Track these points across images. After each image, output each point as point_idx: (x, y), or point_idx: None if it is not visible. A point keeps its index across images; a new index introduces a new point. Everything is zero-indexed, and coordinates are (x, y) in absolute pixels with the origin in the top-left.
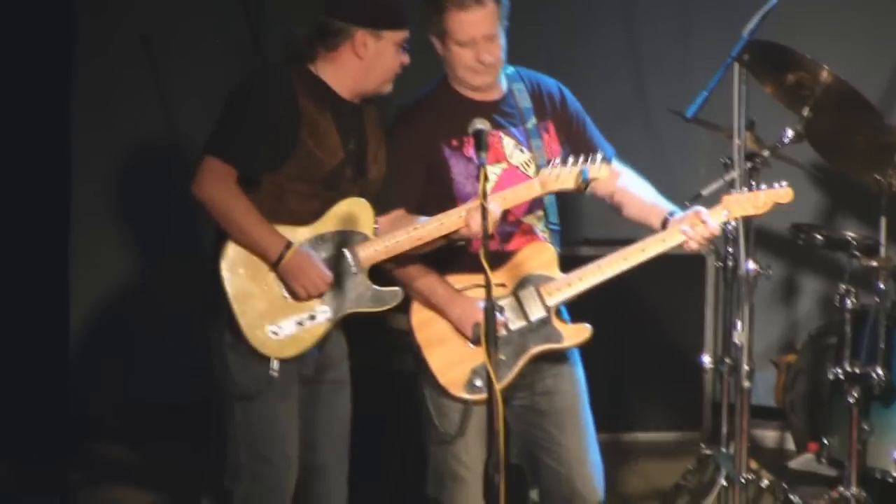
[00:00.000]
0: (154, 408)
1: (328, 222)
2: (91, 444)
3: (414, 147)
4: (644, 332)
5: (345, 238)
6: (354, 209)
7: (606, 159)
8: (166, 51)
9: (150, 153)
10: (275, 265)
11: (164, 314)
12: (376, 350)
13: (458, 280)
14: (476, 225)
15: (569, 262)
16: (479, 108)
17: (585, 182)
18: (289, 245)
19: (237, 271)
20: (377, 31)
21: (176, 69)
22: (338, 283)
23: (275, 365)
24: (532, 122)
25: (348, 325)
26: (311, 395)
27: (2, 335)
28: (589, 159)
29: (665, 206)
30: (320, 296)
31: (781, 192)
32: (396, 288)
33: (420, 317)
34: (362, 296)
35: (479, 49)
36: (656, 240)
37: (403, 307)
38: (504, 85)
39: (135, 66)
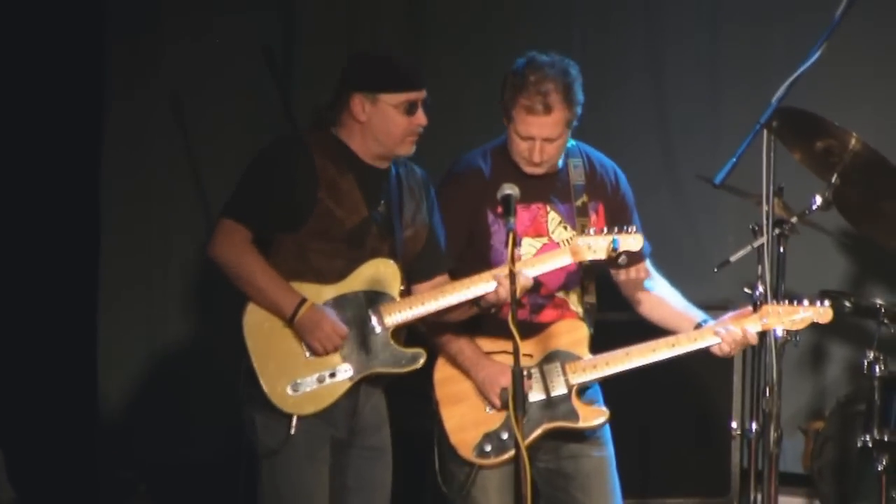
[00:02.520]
0: (182, 469)
1: (353, 282)
2: None
3: (460, 210)
4: (672, 398)
5: (370, 298)
6: (381, 269)
7: (643, 255)
8: (196, 108)
9: (178, 213)
10: (290, 321)
11: (193, 374)
12: (420, 417)
13: (487, 344)
14: (505, 291)
15: (599, 327)
16: (533, 180)
17: (616, 252)
18: (303, 301)
19: (259, 330)
20: (372, 94)
21: (205, 127)
22: (361, 343)
23: (294, 422)
24: (582, 199)
25: (391, 391)
26: (346, 462)
27: (31, 397)
28: (623, 229)
29: (696, 313)
30: (337, 350)
31: (821, 312)
32: (419, 350)
33: (444, 373)
34: (385, 356)
35: (535, 147)
36: (688, 337)
37: None
38: (562, 159)
39: (164, 126)
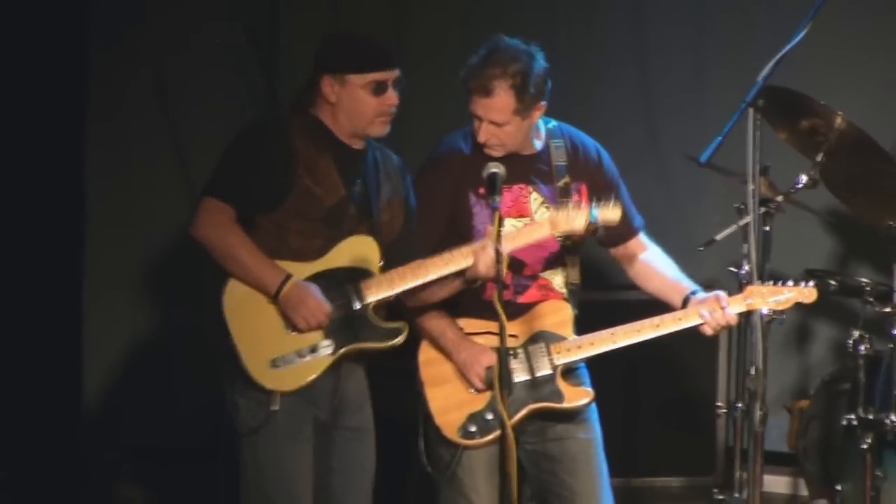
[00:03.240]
0: (167, 451)
1: (333, 259)
2: (103, 487)
3: (441, 193)
4: (657, 377)
5: (349, 275)
6: (360, 246)
7: (634, 229)
8: (181, 96)
9: (164, 200)
10: (274, 297)
11: (178, 357)
12: (398, 398)
13: (470, 324)
14: (483, 265)
15: (597, 308)
16: (515, 160)
17: (594, 224)
18: (288, 277)
19: (239, 307)
20: (339, 75)
21: (191, 114)
22: (341, 319)
23: (276, 398)
24: (564, 180)
25: (374, 372)
26: (329, 443)
27: (17, 379)
28: (602, 202)
29: (687, 284)
30: (321, 328)
31: (805, 292)
32: (400, 323)
33: (428, 355)
34: (366, 331)
35: (482, 127)
36: (672, 318)
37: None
38: (542, 141)
39: (148, 111)
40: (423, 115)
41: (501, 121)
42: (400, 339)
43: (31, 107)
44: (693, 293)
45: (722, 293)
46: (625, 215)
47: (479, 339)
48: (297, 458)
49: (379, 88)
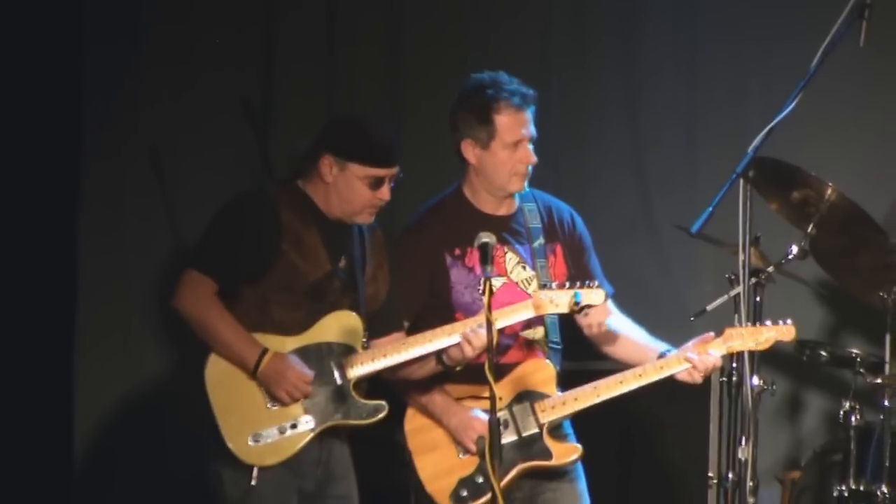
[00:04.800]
0: None
1: (315, 334)
2: None
3: (419, 256)
4: (648, 447)
5: (333, 350)
6: (343, 321)
7: (605, 295)
8: (174, 163)
9: (156, 264)
10: (253, 373)
11: (169, 430)
12: (383, 466)
13: (456, 390)
14: (470, 349)
15: (577, 378)
16: (489, 221)
17: (578, 305)
18: (265, 351)
19: (220, 382)
20: (342, 160)
21: (184, 181)
22: (322, 395)
23: (255, 473)
24: (539, 241)
25: (362, 442)
26: None
27: (6, 452)
28: (585, 284)
29: (659, 345)
30: (304, 398)
31: (784, 330)
32: (381, 402)
33: (414, 423)
34: (347, 408)
35: (526, 151)
36: (654, 366)
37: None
38: (516, 203)
39: (142, 178)
40: (419, 175)
41: (534, 135)
42: (381, 416)
43: (25, 172)
44: (667, 351)
45: (709, 334)
46: (592, 280)
47: (466, 403)
48: None
49: (376, 183)
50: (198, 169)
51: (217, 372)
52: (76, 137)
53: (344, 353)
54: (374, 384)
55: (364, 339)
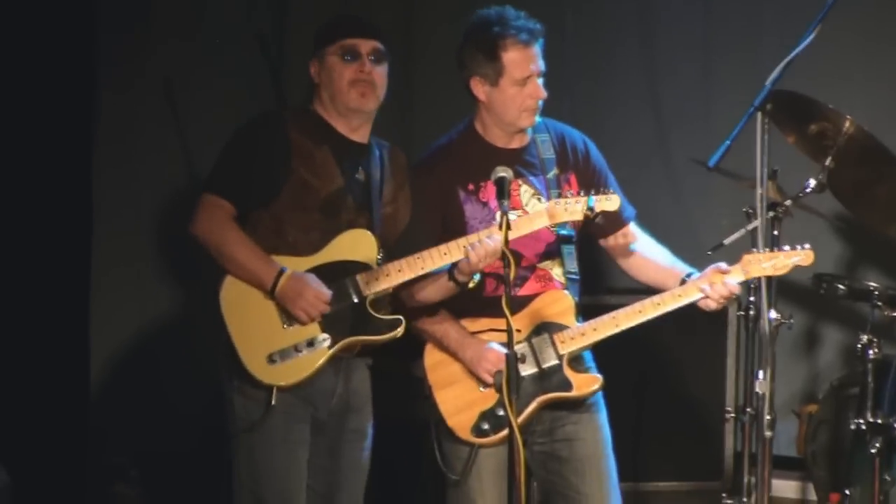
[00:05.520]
0: (175, 455)
1: (329, 253)
2: (110, 492)
3: (431, 193)
4: (665, 382)
5: (346, 268)
6: (356, 239)
7: (626, 218)
8: (188, 94)
9: (171, 196)
10: (270, 292)
11: (185, 358)
12: (402, 401)
13: (473, 324)
14: (475, 256)
15: (592, 311)
16: (502, 155)
17: (592, 212)
18: (282, 271)
19: (236, 304)
20: (320, 53)
21: (198, 113)
22: (339, 312)
23: (274, 394)
24: (553, 172)
25: (381, 378)
26: (327, 445)
27: (22, 382)
28: (599, 191)
29: (683, 267)
30: (322, 316)
31: (802, 255)
32: (398, 316)
33: (433, 358)
34: (363, 324)
35: (535, 86)
36: (672, 295)
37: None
38: (528, 134)
39: (156, 109)
40: (432, 115)
41: (543, 69)
42: (398, 331)
43: (40, 105)
44: (689, 275)
45: (722, 264)
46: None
47: (484, 338)
48: (291, 459)
49: (349, 54)
50: (212, 101)
51: (232, 294)
52: (90, 70)
53: (359, 270)
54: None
55: (379, 257)
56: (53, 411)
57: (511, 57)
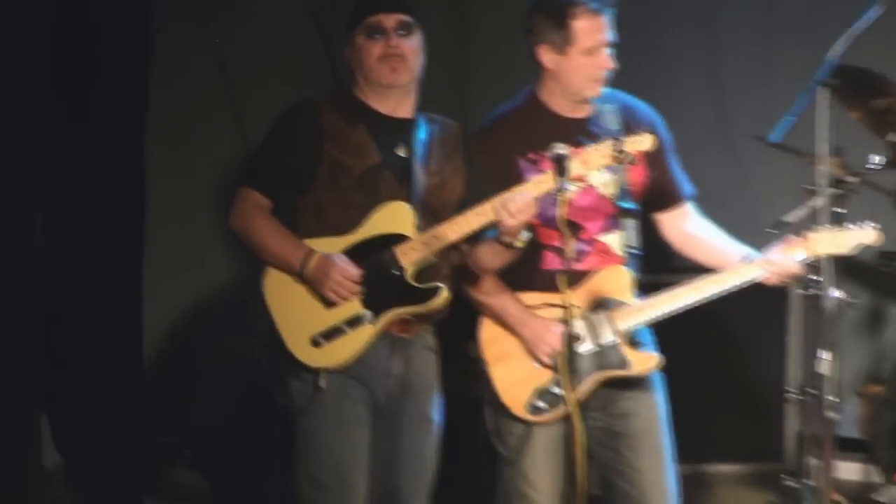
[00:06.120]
0: (229, 435)
1: (366, 229)
2: (164, 472)
3: (491, 162)
4: (725, 361)
5: (384, 242)
6: (393, 212)
7: (682, 196)
8: (242, 74)
9: (223, 177)
10: (300, 276)
11: (238, 339)
12: (452, 377)
13: (530, 298)
14: (505, 213)
15: (653, 290)
16: (567, 124)
17: (620, 152)
18: (310, 252)
19: (277, 291)
20: (350, 36)
21: (251, 91)
22: (378, 287)
23: (323, 376)
24: None
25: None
26: (389, 430)
27: (75, 364)
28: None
29: (741, 249)
30: (353, 296)
31: (868, 234)
32: (438, 284)
33: (489, 333)
34: (403, 295)
35: (604, 56)
36: (733, 272)
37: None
38: (593, 105)
39: (210, 90)
40: (490, 86)
41: (612, 39)
42: (440, 299)
43: (92, 87)
44: (749, 256)
45: (784, 241)
46: (672, 180)
47: (540, 313)
48: (348, 442)
49: (375, 31)
50: (266, 82)
51: (274, 282)
52: (144, 48)
53: (396, 242)
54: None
55: (417, 227)
56: (106, 391)
57: (581, 25)
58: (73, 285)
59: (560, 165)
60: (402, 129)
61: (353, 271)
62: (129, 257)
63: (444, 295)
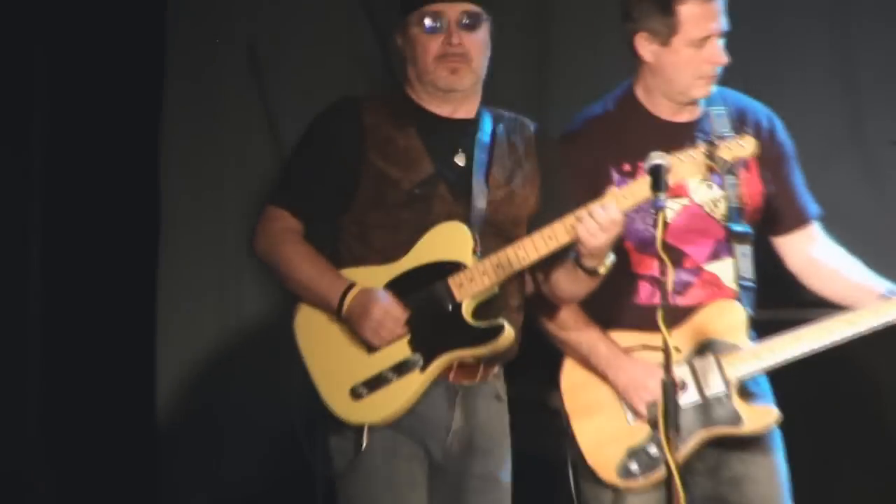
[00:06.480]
0: (248, 489)
1: (416, 255)
2: None
3: (578, 172)
4: (859, 412)
5: (437, 270)
6: (448, 235)
7: (807, 216)
8: (275, 64)
9: (251, 193)
10: (338, 314)
11: (256, 388)
12: (529, 431)
13: (622, 338)
14: (585, 230)
15: (770, 329)
16: (669, 129)
17: (715, 158)
18: (350, 286)
19: (312, 332)
20: (403, 26)
21: (287, 86)
22: (428, 324)
23: (365, 434)
24: None
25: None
26: (450, 494)
27: (89, 422)
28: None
29: (880, 283)
30: (397, 339)
31: None
32: (499, 321)
33: (573, 379)
34: (459, 335)
35: (715, 49)
36: (872, 311)
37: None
38: (701, 106)
39: (237, 77)
40: (573, 85)
41: (725, 29)
42: (502, 340)
43: (107, 77)
44: (890, 292)
45: None
46: (794, 199)
47: (637, 356)
48: None
49: (433, 23)
50: (304, 74)
51: (307, 320)
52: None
53: (451, 270)
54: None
55: (477, 253)
56: (115, 454)
57: (689, 11)
58: (73, 338)
59: (657, 178)
60: (461, 133)
61: (399, 309)
62: (142, 288)
63: (508, 335)
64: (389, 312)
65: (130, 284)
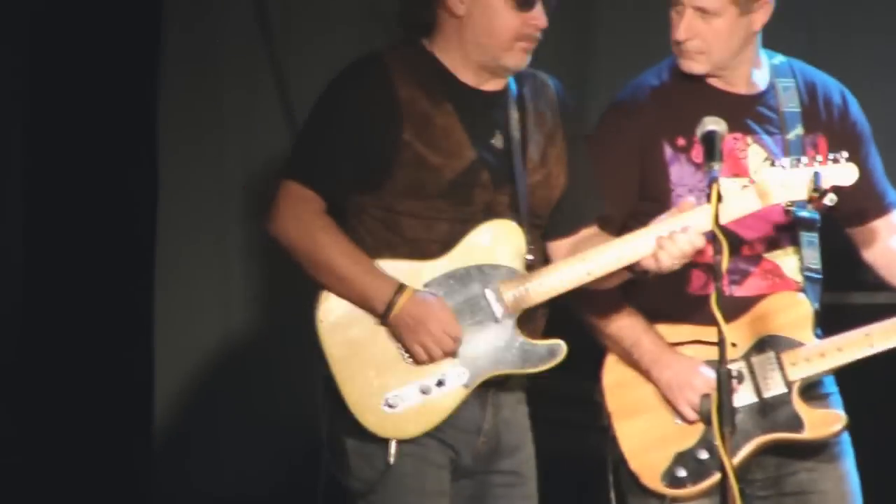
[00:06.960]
0: (248, 489)
1: (460, 255)
2: None
3: (627, 145)
4: None
5: (486, 275)
6: (497, 235)
7: (887, 203)
8: (286, 24)
9: (258, 174)
10: (383, 318)
11: (259, 393)
12: (565, 430)
13: (672, 331)
14: (667, 258)
15: (832, 315)
16: (730, 101)
17: (820, 189)
18: (400, 289)
19: (338, 329)
20: None
21: (299, 47)
22: (476, 337)
23: (392, 449)
24: (796, 131)
25: (539, 400)
26: (477, 492)
27: (88, 422)
28: (830, 158)
29: None
30: (448, 355)
31: None
32: (558, 341)
33: (616, 375)
34: (509, 352)
35: (687, 17)
36: None
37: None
38: (766, 78)
39: (241, 46)
40: (619, 58)
41: (711, 7)
42: (557, 361)
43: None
44: None
45: None
46: (872, 185)
47: (686, 351)
48: None
49: (523, 1)
50: (320, 32)
51: (332, 315)
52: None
53: (501, 277)
54: (553, 322)
55: (529, 256)
56: (115, 462)
57: None
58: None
59: (711, 146)
60: (494, 107)
61: (457, 328)
62: (139, 299)
63: (561, 356)
64: (448, 331)
65: (130, 285)
